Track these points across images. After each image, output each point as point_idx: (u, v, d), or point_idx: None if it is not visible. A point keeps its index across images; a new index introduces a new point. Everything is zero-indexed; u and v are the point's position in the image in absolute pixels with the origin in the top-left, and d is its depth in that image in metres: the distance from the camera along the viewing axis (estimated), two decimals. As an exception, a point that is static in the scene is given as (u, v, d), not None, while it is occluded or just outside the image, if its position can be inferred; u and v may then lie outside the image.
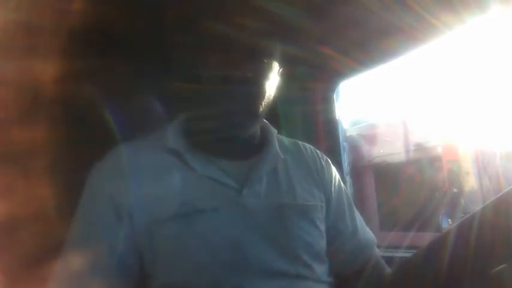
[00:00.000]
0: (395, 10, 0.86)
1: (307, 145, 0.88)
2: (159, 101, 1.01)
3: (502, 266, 0.56)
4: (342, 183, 0.87)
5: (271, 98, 0.75)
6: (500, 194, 0.62)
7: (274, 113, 0.88)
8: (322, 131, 1.26)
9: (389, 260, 0.85)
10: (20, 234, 0.70)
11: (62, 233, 0.66)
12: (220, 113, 0.69)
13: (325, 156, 0.87)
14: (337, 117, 1.31)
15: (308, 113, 1.26)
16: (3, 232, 0.69)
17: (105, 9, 0.78)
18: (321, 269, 0.73)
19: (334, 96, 1.30)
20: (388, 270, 0.82)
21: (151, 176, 0.69)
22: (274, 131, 0.82)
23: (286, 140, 0.85)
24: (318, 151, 0.87)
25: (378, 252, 0.86)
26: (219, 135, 0.71)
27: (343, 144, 1.31)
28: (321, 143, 0.89)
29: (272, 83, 0.73)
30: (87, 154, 0.72)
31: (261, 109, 0.72)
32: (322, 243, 0.75)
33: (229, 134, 0.72)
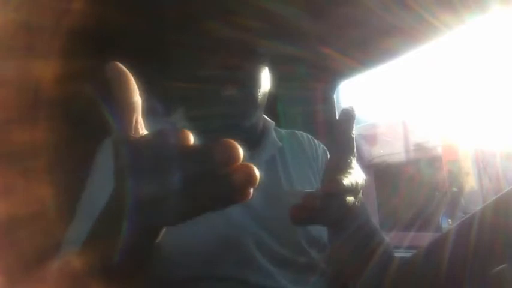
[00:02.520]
0: (395, 10, 0.86)
1: (305, 134, 0.88)
2: (159, 101, 1.01)
3: (502, 266, 0.56)
4: None
5: (268, 89, 0.76)
6: (500, 194, 0.62)
7: (274, 112, 0.89)
8: (322, 131, 1.26)
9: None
10: (20, 234, 0.70)
11: (62, 233, 0.66)
12: (218, 108, 0.69)
13: (321, 145, 0.88)
14: (337, 117, 1.31)
15: (308, 113, 1.26)
16: (3, 232, 0.69)
17: (105, 9, 0.78)
18: (319, 256, 0.74)
19: (334, 96, 1.30)
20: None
21: None
22: (272, 122, 0.83)
23: (283, 131, 0.86)
24: (315, 140, 0.88)
25: None
26: (220, 124, 0.71)
27: (343, 144, 1.30)
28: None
29: (267, 75, 0.75)
30: (87, 154, 0.72)
31: (260, 100, 0.73)
32: (320, 229, 0.76)
33: (230, 123, 0.72)
